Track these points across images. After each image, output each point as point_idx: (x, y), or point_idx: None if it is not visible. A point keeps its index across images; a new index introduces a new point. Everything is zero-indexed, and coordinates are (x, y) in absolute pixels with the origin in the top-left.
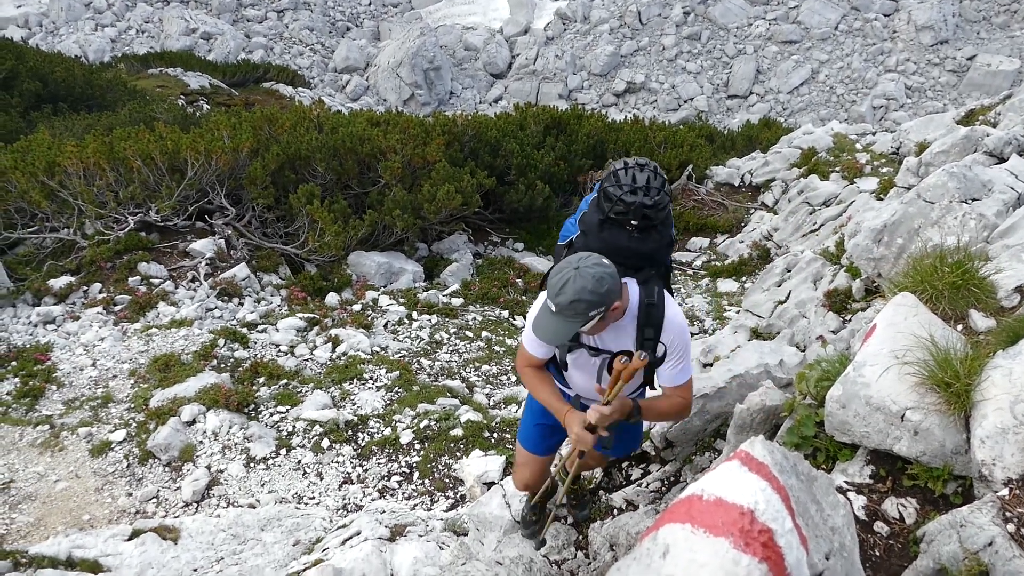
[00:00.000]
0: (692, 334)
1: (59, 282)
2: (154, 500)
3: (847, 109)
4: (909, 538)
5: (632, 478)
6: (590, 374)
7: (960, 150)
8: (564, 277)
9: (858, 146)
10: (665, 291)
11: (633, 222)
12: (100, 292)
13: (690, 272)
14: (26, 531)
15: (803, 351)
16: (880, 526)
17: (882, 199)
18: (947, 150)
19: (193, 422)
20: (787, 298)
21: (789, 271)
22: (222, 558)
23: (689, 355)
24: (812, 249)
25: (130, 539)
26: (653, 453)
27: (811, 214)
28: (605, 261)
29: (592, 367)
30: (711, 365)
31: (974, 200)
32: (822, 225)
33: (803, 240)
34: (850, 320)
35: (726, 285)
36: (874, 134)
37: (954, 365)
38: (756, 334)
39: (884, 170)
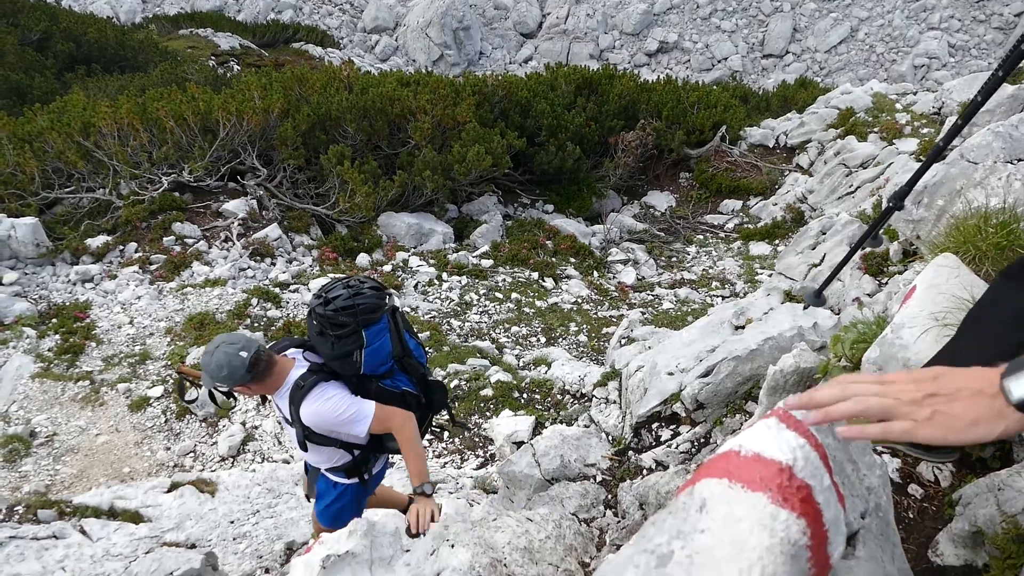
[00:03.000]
0: (723, 297)
1: (96, 241)
2: (191, 454)
3: (887, 68)
4: (944, 501)
5: (662, 439)
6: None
7: (1006, 109)
8: (212, 346)
9: (898, 106)
10: (326, 385)
11: (313, 322)
12: (136, 251)
13: (722, 235)
14: (69, 482)
15: (838, 314)
16: (914, 488)
17: (922, 160)
18: (992, 109)
19: None
20: (821, 261)
21: (824, 234)
22: (258, 511)
23: (347, 420)
24: (848, 212)
25: (169, 491)
26: (683, 415)
27: (847, 176)
28: (239, 347)
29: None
30: (743, 328)
31: (1020, 160)
32: (859, 187)
33: (839, 203)
34: (887, 283)
35: (758, 248)
36: (915, 94)
37: None
38: (789, 297)
39: (925, 131)
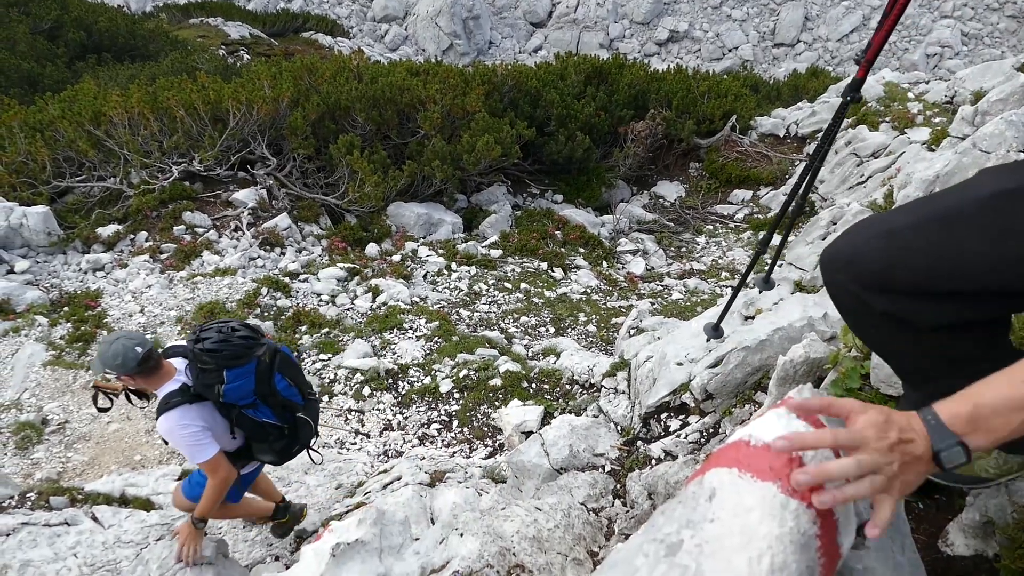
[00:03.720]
0: (732, 287)
1: (107, 230)
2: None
3: (899, 57)
4: (955, 491)
5: (671, 429)
6: None
7: (1019, 98)
8: (112, 337)
9: (910, 95)
10: (188, 410)
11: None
12: (146, 240)
13: (731, 225)
14: (81, 469)
15: None
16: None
17: (934, 150)
18: (1005, 98)
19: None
20: None
21: (835, 224)
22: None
23: (189, 448)
24: (859, 201)
25: (179, 479)
26: (692, 405)
27: (859, 166)
28: (136, 343)
29: None
30: (753, 318)
31: None
32: (870, 177)
33: (849, 192)
34: None
35: None
36: (927, 83)
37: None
38: (799, 287)
39: (937, 120)
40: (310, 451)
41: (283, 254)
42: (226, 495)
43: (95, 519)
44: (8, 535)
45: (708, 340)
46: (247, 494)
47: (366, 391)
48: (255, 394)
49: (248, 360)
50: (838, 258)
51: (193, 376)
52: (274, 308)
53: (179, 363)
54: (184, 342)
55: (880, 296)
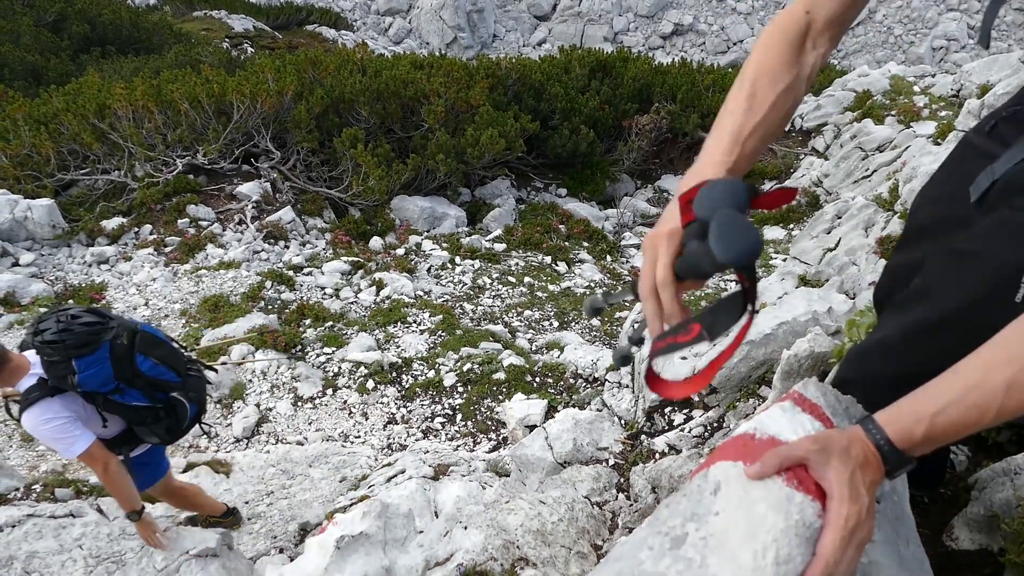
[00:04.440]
0: (735, 282)
1: (111, 223)
2: (206, 435)
3: (905, 51)
4: (960, 485)
5: (675, 423)
6: None
7: None
8: None
9: (916, 89)
10: (51, 403)
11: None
12: (151, 233)
13: None
14: None
15: (853, 299)
16: None
17: (940, 144)
18: (1012, 91)
19: (242, 361)
20: (837, 245)
21: (839, 218)
22: (272, 492)
23: (58, 443)
24: (864, 195)
25: (184, 472)
26: (696, 399)
27: (864, 159)
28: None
29: None
30: (757, 312)
31: None
32: (875, 171)
33: (855, 186)
34: None
35: (772, 232)
36: (933, 76)
37: None
38: (804, 281)
39: (943, 114)
40: (202, 425)
41: (287, 247)
42: (140, 480)
43: (100, 511)
44: (14, 527)
45: (619, 369)
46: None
47: (370, 385)
48: (116, 379)
49: (97, 347)
50: None
51: (44, 369)
52: (278, 301)
53: (32, 357)
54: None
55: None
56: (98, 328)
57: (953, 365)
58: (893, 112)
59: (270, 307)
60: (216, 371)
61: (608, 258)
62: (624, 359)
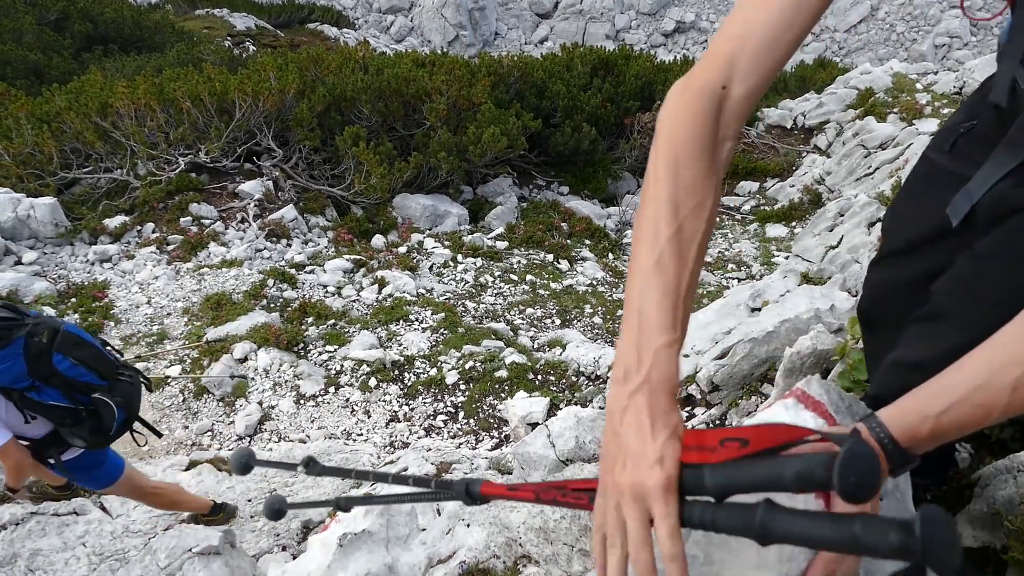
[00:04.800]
0: (739, 279)
1: (114, 222)
2: (209, 433)
3: (907, 48)
4: (962, 483)
5: None
6: None
7: None
8: None
9: (918, 86)
10: None
11: None
12: (153, 232)
13: (738, 217)
14: None
15: (855, 296)
16: None
17: None
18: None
19: (245, 359)
20: (839, 243)
21: (842, 215)
22: (274, 490)
23: None
24: (867, 193)
25: (187, 469)
26: (699, 397)
27: (866, 157)
28: None
29: None
30: (759, 310)
31: None
32: (877, 168)
33: (857, 184)
34: None
35: (775, 230)
36: (936, 73)
37: None
38: (806, 279)
39: (945, 111)
40: (133, 434)
41: (289, 245)
42: (88, 483)
43: (104, 509)
44: (17, 524)
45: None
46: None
47: (372, 382)
48: (30, 376)
49: (8, 342)
50: None
51: None
52: (280, 299)
53: None
54: None
55: None
56: (9, 324)
57: (957, 361)
58: (895, 109)
59: (272, 305)
60: (151, 389)
61: (610, 255)
62: None
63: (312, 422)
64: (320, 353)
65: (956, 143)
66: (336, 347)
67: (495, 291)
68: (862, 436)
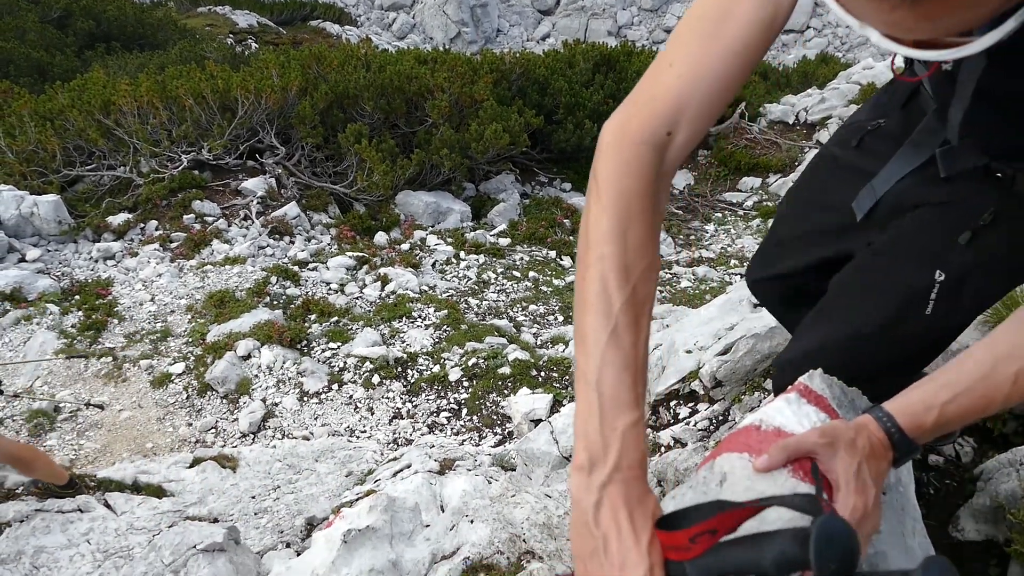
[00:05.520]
0: (742, 275)
1: (117, 219)
2: (213, 430)
3: None
4: (965, 477)
5: (680, 417)
6: None
7: None
8: None
9: None
10: None
11: None
12: (156, 229)
13: (740, 213)
14: (93, 456)
15: None
16: (936, 463)
17: None
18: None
19: (248, 357)
20: None
21: None
22: (278, 486)
23: None
24: None
25: (191, 466)
26: (701, 392)
27: None
28: None
29: None
30: (762, 306)
31: None
32: None
33: None
34: None
35: None
36: None
37: (1017, 300)
38: None
39: None
40: None
41: (292, 243)
42: None
43: (108, 506)
44: (22, 521)
45: None
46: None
47: (375, 379)
48: None
49: None
50: None
51: None
52: (283, 297)
53: None
54: None
55: None
56: None
57: (958, 357)
58: None
59: (275, 302)
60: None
61: None
62: None
63: (316, 419)
64: (323, 350)
65: (863, 140)
66: (339, 344)
67: (498, 288)
68: (823, 508)
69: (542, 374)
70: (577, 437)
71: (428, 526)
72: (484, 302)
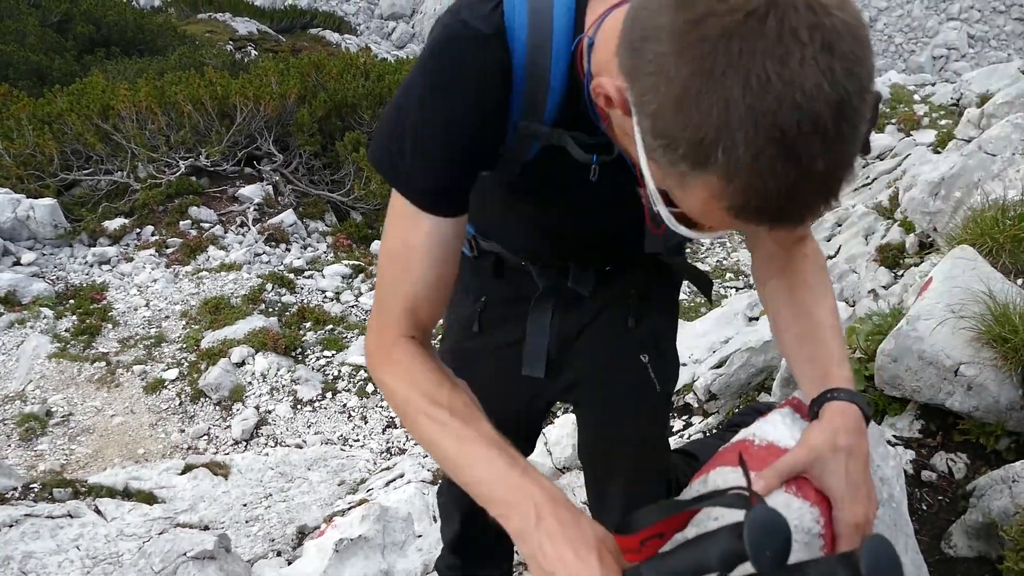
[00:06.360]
0: (737, 288)
1: (113, 224)
2: (205, 437)
3: (905, 59)
4: (958, 493)
5: (674, 429)
6: None
7: None
8: None
9: (916, 97)
10: None
11: None
12: (152, 235)
13: None
14: (84, 462)
15: (852, 306)
16: (928, 479)
17: (939, 152)
18: (1011, 101)
19: (242, 363)
20: (836, 253)
21: (839, 225)
22: (270, 494)
23: None
24: (864, 203)
25: (183, 473)
26: (696, 405)
27: (864, 167)
28: None
29: None
30: (757, 319)
31: None
32: (875, 179)
33: (855, 194)
34: (902, 275)
35: None
36: (933, 85)
37: (1012, 319)
38: None
39: (943, 122)
40: None
41: (288, 250)
42: None
43: (98, 511)
44: (11, 526)
45: None
46: None
47: (370, 388)
48: None
49: None
50: None
51: None
52: (279, 304)
53: None
54: None
55: None
56: None
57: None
58: (893, 120)
59: (270, 310)
60: None
61: None
62: None
63: (309, 427)
64: (318, 358)
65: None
66: (334, 352)
67: None
68: (751, 501)
69: None
70: (503, 518)
71: (421, 536)
72: None
